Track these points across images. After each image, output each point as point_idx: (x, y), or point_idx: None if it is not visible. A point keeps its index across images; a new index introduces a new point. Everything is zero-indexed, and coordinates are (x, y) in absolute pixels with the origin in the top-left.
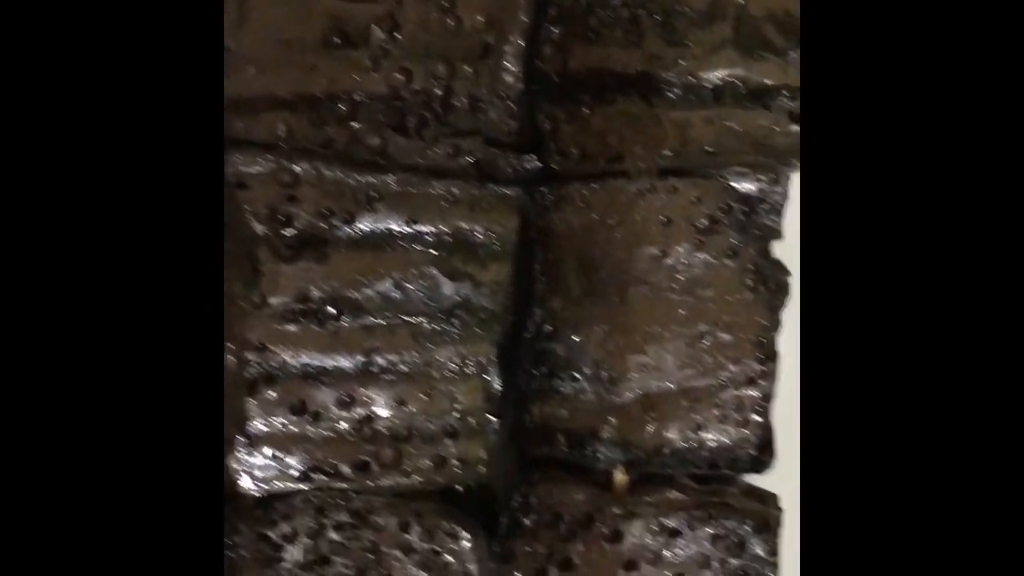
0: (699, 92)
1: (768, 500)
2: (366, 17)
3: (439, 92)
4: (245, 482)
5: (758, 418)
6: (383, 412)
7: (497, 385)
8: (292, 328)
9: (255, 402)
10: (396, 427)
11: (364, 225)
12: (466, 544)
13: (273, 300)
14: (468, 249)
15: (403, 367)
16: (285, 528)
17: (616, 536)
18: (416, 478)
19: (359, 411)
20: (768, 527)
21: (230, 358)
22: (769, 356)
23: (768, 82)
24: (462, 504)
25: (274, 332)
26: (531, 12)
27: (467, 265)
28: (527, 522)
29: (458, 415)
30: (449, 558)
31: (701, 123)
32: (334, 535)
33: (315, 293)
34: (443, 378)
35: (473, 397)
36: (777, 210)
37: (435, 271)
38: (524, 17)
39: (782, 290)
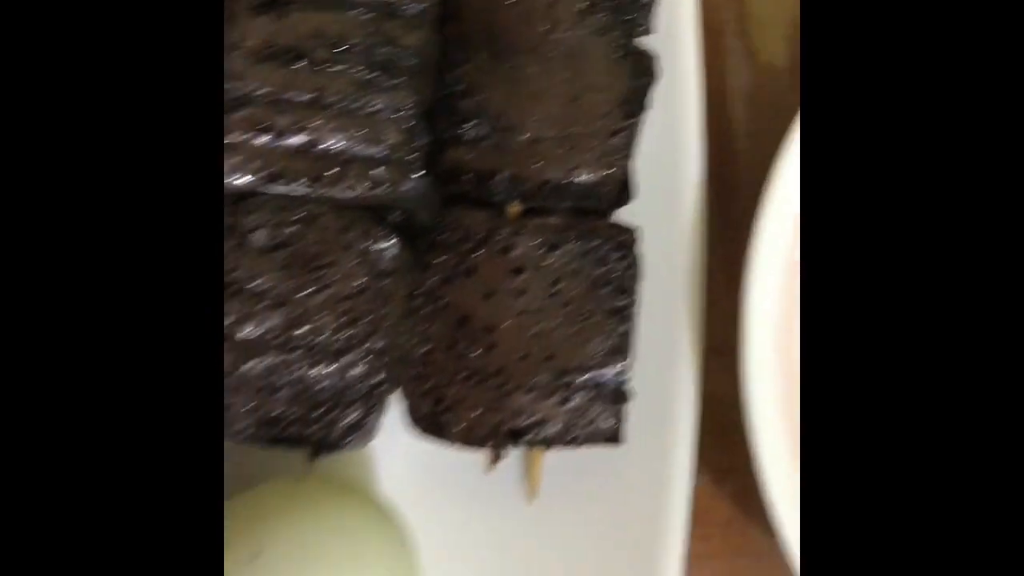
0: None
1: (626, 229)
2: None
3: None
4: (227, 180)
5: (621, 162)
6: (330, 139)
7: (420, 129)
8: (261, 67)
9: (235, 118)
10: (340, 150)
11: None
12: (394, 247)
13: (247, 44)
14: (398, 17)
15: (345, 104)
16: (253, 220)
17: (507, 249)
18: (357, 192)
19: (312, 136)
20: (626, 245)
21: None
22: (629, 115)
23: None
24: (387, 219)
25: (248, 68)
26: None
27: (396, 31)
28: (441, 239)
29: (388, 149)
30: (380, 255)
31: None
32: (290, 229)
33: (279, 41)
34: (377, 119)
35: (400, 135)
36: (647, 7)
37: (372, 32)
38: None
39: (646, 72)
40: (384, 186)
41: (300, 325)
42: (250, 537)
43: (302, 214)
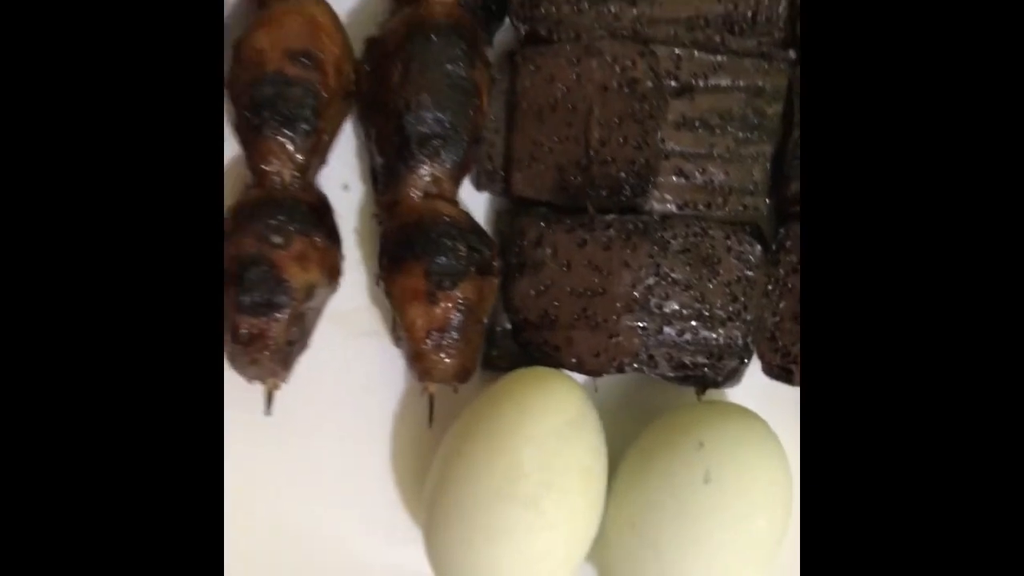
0: None
1: None
2: None
3: (749, 13)
4: (655, 205)
5: None
6: (719, 178)
7: (772, 170)
8: (677, 132)
9: (664, 166)
10: (723, 184)
11: (712, 81)
12: (758, 249)
13: (670, 118)
14: (763, 96)
15: (729, 155)
16: (671, 233)
17: None
18: (733, 213)
19: (707, 176)
20: None
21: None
22: None
23: None
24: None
25: (670, 132)
26: None
27: (762, 106)
28: (786, 244)
29: (753, 184)
30: (748, 256)
31: None
32: (694, 238)
33: (688, 115)
34: (748, 164)
35: (761, 174)
36: None
37: (746, 106)
38: None
39: None
40: (751, 208)
41: (702, 302)
42: (696, 462)
43: (699, 228)
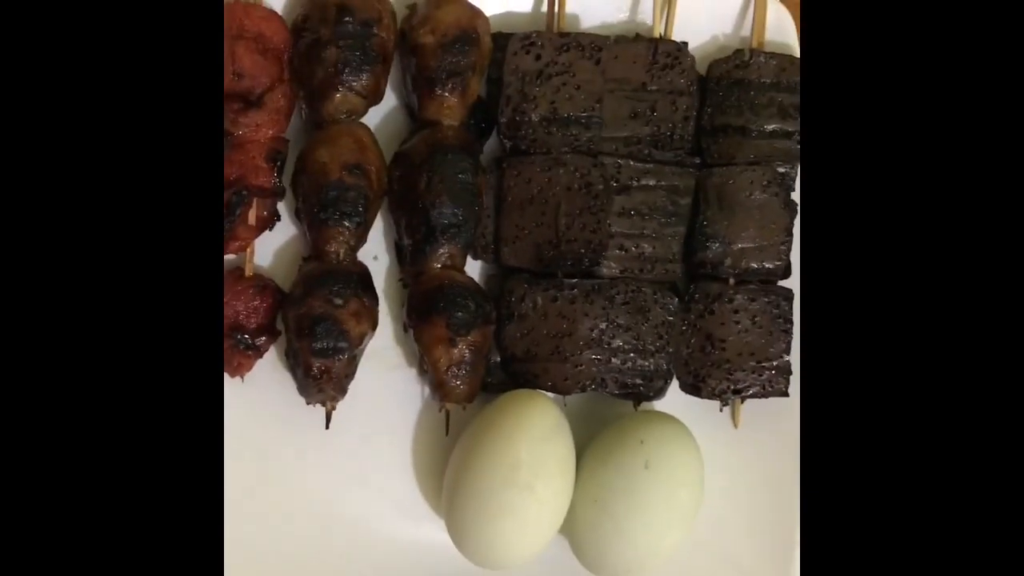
0: None
1: (788, 290)
2: None
3: (668, 133)
4: (604, 271)
5: (785, 257)
6: (648, 249)
7: (685, 244)
8: (619, 219)
9: (611, 245)
10: (651, 255)
11: (644, 181)
12: (676, 301)
13: (614, 209)
14: (676, 191)
15: (654, 233)
16: (614, 290)
17: (730, 299)
18: (658, 276)
19: (640, 250)
20: (788, 298)
21: None
22: (788, 234)
23: None
24: None
25: (615, 219)
26: None
27: (676, 200)
28: (696, 295)
29: (672, 255)
30: (669, 306)
31: None
32: (630, 294)
33: (627, 206)
34: (667, 239)
35: (677, 249)
36: (792, 176)
37: (664, 201)
38: None
39: (794, 212)
40: (671, 272)
41: (638, 339)
42: (639, 454)
43: (635, 287)
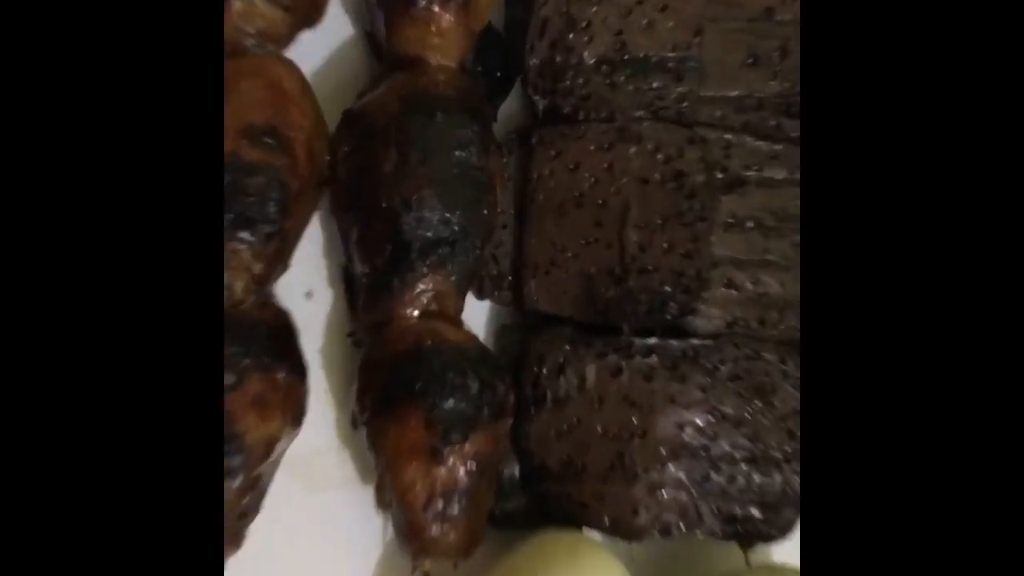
0: None
1: None
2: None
3: None
4: (703, 323)
5: None
6: (773, 286)
7: None
8: (727, 234)
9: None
10: (779, 297)
11: (766, 173)
12: None
13: (719, 216)
14: None
15: (783, 262)
16: (720, 355)
17: None
18: (789, 332)
19: (760, 288)
20: None
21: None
22: None
23: None
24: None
25: (719, 236)
26: None
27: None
28: None
29: None
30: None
31: None
32: (744, 363)
33: (740, 213)
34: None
35: None
36: None
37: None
38: None
39: None
40: None
41: (755, 441)
42: None
43: (750, 351)
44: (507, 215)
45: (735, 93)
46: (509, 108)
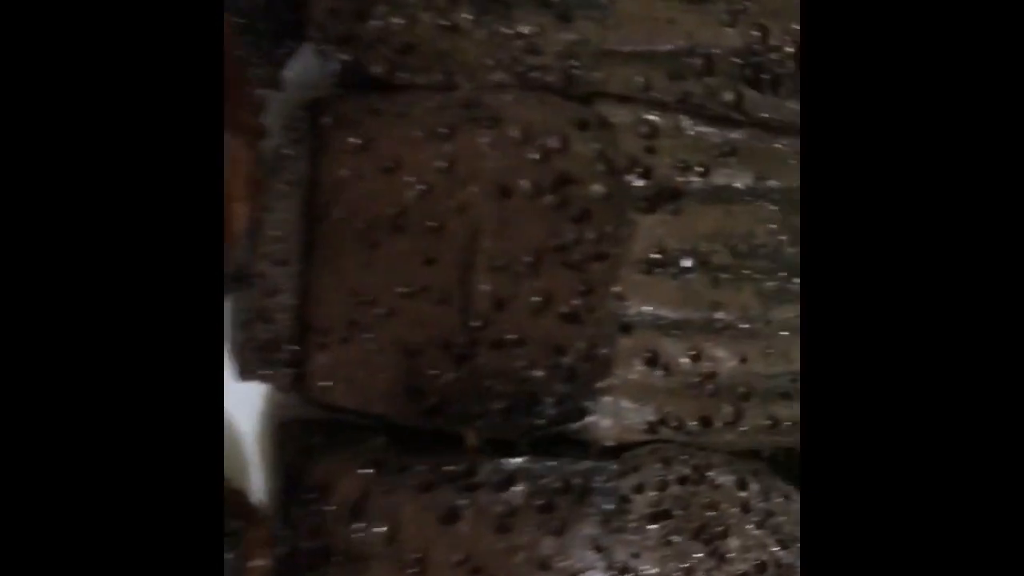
0: None
1: None
2: None
3: (793, 49)
4: (603, 428)
5: None
6: (726, 369)
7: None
8: (647, 279)
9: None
10: (737, 384)
11: (717, 180)
12: (797, 506)
13: (633, 250)
14: None
15: (744, 324)
16: (634, 479)
17: None
18: (752, 437)
19: (705, 366)
20: None
21: (605, 305)
22: None
23: None
24: (784, 466)
25: (632, 282)
26: None
27: None
28: None
29: (791, 377)
30: (782, 518)
31: None
32: (676, 489)
33: (670, 245)
34: (780, 338)
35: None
36: None
37: (778, 229)
38: None
39: None
40: (785, 423)
41: None
42: None
43: (688, 469)
44: (289, 243)
45: (666, 47)
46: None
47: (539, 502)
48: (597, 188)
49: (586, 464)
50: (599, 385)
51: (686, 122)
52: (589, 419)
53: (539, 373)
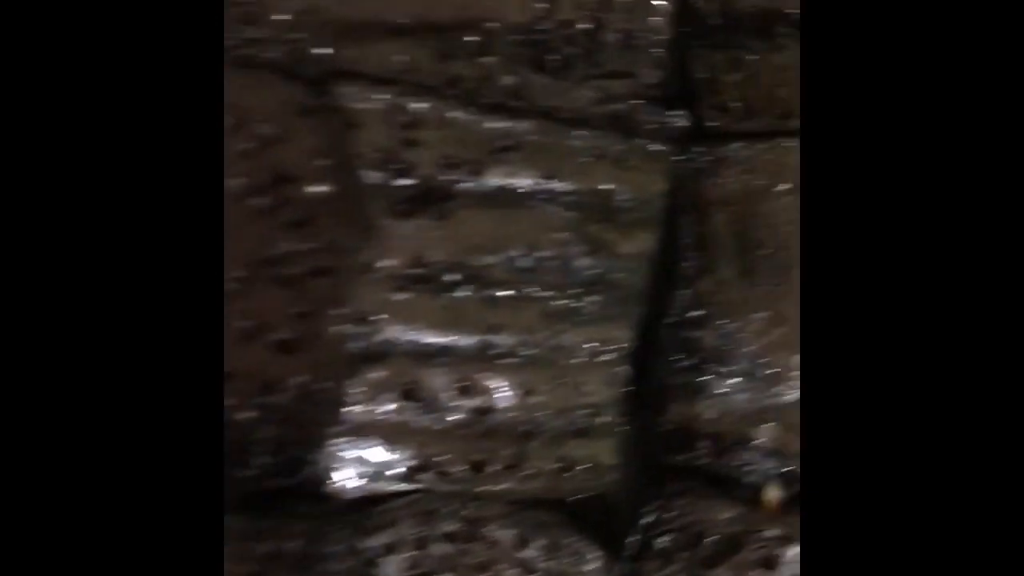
0: None
1: None
2: None
3: (588, 25)
4: (340, 480)
5: None
6: (504, 403)
7: (632, 377)
8: (404, 297)
9: (358, 384)
10: (518, 422)
11: (493, 180)
12: (594, 565)
13: (383, 263)
14: (609, 214)
15: (528, 350)
16: (384, 538)
17: (770, 563)
18: (538, 483)
19: (477, 400)
20: None
21: (331, 330)
22: None
23: None
24: (582, 516)
25: (383, 301)
26: None
27: (607, 233)
28: (661, 542)
29: (587, 411)
30: None
31: None
32: (441, 548)
33: (433, 257)
34: (572, 366)
35: (605, 390)
36: None
37: (570, 238)
38: None
39: None
40: (579, 471)
41: None
42: None
43: (458, 523)
44: None
45: (429, 19)
46: None
47: (244, 570)
48: (321, 188)
49: (311, 524)
50: (327, 430)
51: (455, 111)
52: (319, 468)
53: (244, 415)
